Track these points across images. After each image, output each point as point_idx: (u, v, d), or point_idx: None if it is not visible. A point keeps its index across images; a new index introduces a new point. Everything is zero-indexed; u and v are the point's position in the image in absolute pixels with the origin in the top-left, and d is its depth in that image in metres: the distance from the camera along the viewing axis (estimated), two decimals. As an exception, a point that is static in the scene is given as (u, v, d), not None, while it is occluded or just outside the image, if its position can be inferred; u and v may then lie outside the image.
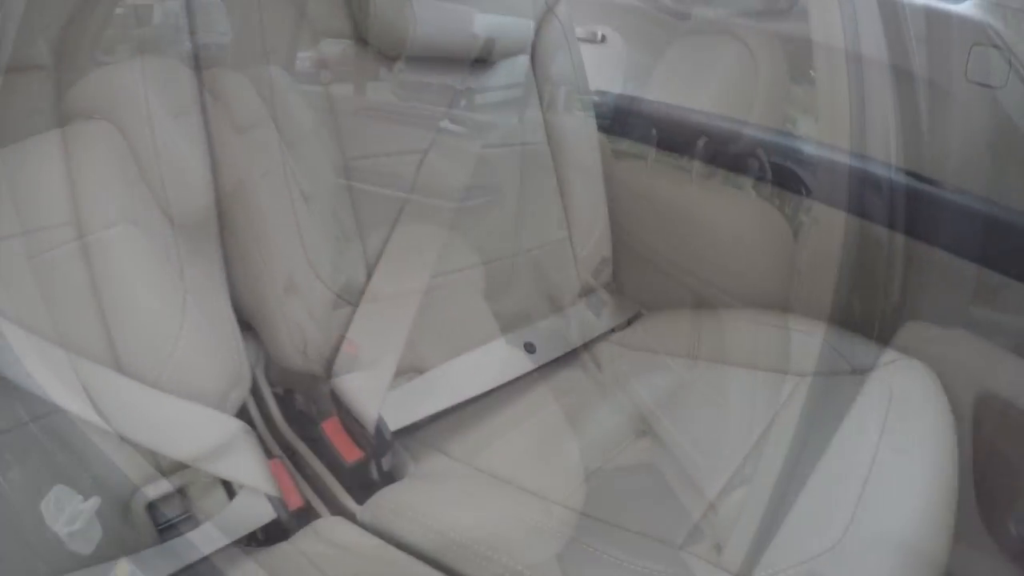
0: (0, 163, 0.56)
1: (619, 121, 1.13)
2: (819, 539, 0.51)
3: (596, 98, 1.16)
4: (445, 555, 0.54)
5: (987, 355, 0.86)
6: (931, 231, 0.87)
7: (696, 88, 1.10)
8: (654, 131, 1.10)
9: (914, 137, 0.97)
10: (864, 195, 0.91)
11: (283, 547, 0.60)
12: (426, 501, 0.61)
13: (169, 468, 0.62)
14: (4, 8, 0.55)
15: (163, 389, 0.60)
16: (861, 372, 0.79)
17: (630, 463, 0.67)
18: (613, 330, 1.03)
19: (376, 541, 0.58)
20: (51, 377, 0.55)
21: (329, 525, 0.63)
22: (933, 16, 0.94)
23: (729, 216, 1.03)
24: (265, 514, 0.63)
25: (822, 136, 1.02)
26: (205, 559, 0.60)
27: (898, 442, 0.64)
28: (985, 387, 0.87)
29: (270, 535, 0.65)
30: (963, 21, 0.92)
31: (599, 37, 1.30)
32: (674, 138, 1.08)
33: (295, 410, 0.82)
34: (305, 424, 0.80)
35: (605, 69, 1.29)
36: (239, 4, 0.70)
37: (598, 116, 1.10)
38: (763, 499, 0.58)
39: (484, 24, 0.81)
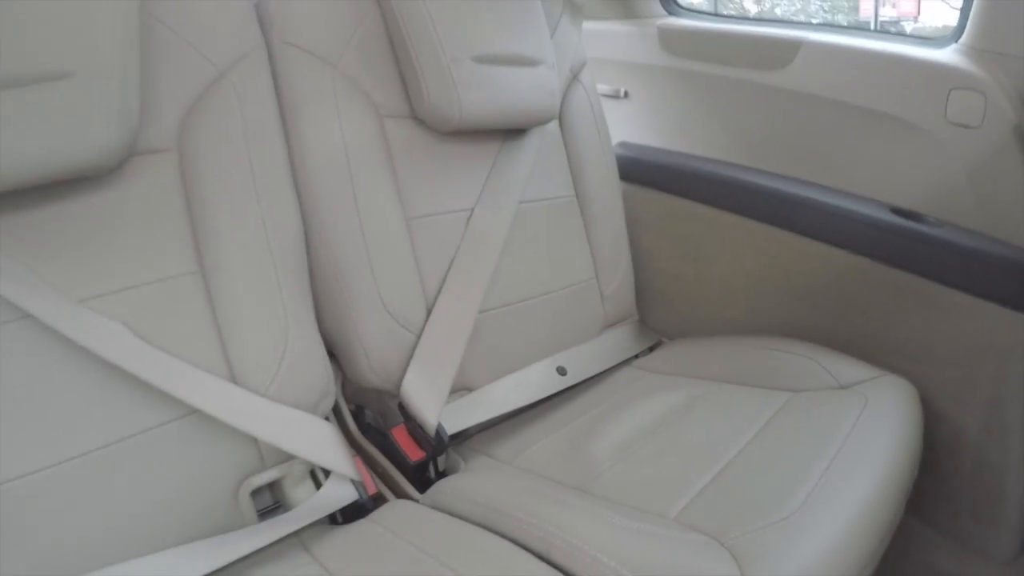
0: (135, 224, 0.78)
1: (640, 169, 1.34)
2: (782, 508, 0.69)
3: (619, 150, 1.37)
4: (490, 521, 0.73)
5: (966, 370, 1.02)
6: (916, 261, 1.04)
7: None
8: (671, 178, 1.30)
9: (898, 175, 1.14)
10: (857, 231, 1.09)
11: (362, 522, 0.80)
12: (475, 487, 0.81)
13: (271, 461, 0.83)
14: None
15: (270, 399, 0.81)
16: (846, 387, 0.97)
17: (641, 460, 0.85)
18: (637, 356, 1.22)
19: (438, 513, 0.78)
20: (186, 385, 0.76)
21: (399, 505, 0.83)
22: (915, 63, 1.11)
23: (738, 253, 1.21)
24: (348, 496, 0.83)
25: (817, 179, 1.20)
26: (297, 532, 0.80)
27: (862, 439, 0.81)
28: (964, 398, 1.02)
29: (348, 517, 0.85)
30: (942, 67, 1.07)
31: (622, 93, 1.50)
32: (689, 184, 1.28)
33: (364, 422, 1.03)
34: (373, 433, 1.01)
35: (627, 122, 1.50)
36: (320, 96, 0.93)
37: (621, 165, 1.31)
38: (743, 480, 0.76)
39: (519, 103, 1.02)
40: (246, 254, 0.82)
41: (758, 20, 1.38)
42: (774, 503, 0.70)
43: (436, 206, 0.99)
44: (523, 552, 0.67)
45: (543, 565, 0.65)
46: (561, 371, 1.08)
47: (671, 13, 1.51)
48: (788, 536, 0.66)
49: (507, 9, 1.05)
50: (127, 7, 0.72)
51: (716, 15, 1.50)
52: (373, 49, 0.98)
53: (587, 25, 1.49)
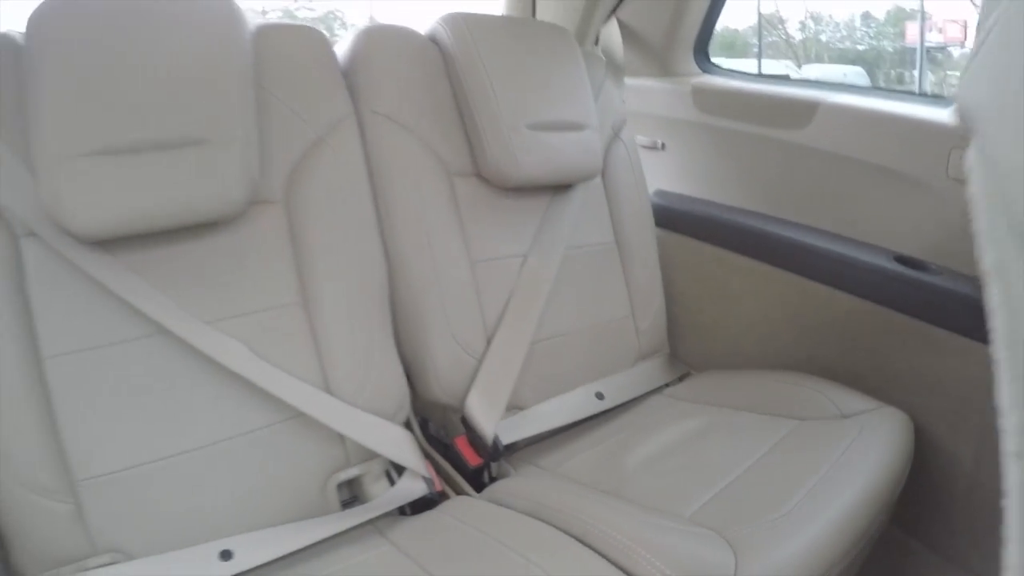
0: (251, 262, 0.99)
1: (673, 218, 1.54)
2: (775, 511, 0.88)
3: (655, 198, 1.57)
4: (538, 513, 0.92)
5: (959, 403, 1.18)
6: (916, 304, 1.20)
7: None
8: (701, 226, 1.50)
9: (904, 225, 1.31)
10: (863, 278, 1.27)
11: (429, 513, 1.00)
12: (524, 488, 1.01)
13: (355, 460, 1.03)
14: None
15: (359, 408, 1.02)
16: (847, 416, 1.14)
17: (664, 472, 1.04)
18: (667, 385, 1.41)
19: (494, 505, 0.98)
20: (291, 393, 0.97)
21: (460, 500, 1.03)
22: (919, 124, 1.25)
23: (758, 295, 1.40)
24: (418, 491, 1.04)
25: (831, 227, 1.38)
26: (372, 521, 1.00)
27: (851, 459, 0.99)
28: (957, 428, 1.19)
29: (415, 510, 1.04)
30: (943, 127, 1.21)
31: (659, 145, 1.71)
32: (716, 232, 1.47)
33: (428, 433, 1.24)
34: (435, 442, 1.21)
35: (664, 171, 1.70)
36: (401, 156, 1.15)
37: (656, 213, 1.51)
38: (747, 490, 0.95)
39: (567, 163, 1.24)
40: (340, 288, 1.04)
41: (781, 80, 1.59)
42: (769, 507, 0.89)
43: (496, 251, 1.21)
44: (566, 536, 0.86)
45: (582, 546, 0.84)
46: (599, 396, 1.28)
47: (705, 71, 1.72)
48: (777, 533, 0.84)
49: (557, 82, 1.27)
50: (246, 84, 0.95)
51: (744, 74, 1.70)
52: (444, 116, 1.20)
53: (629, 81, 1.70)
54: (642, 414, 1.28)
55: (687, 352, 1.53)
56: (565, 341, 1.28)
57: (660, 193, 1.64)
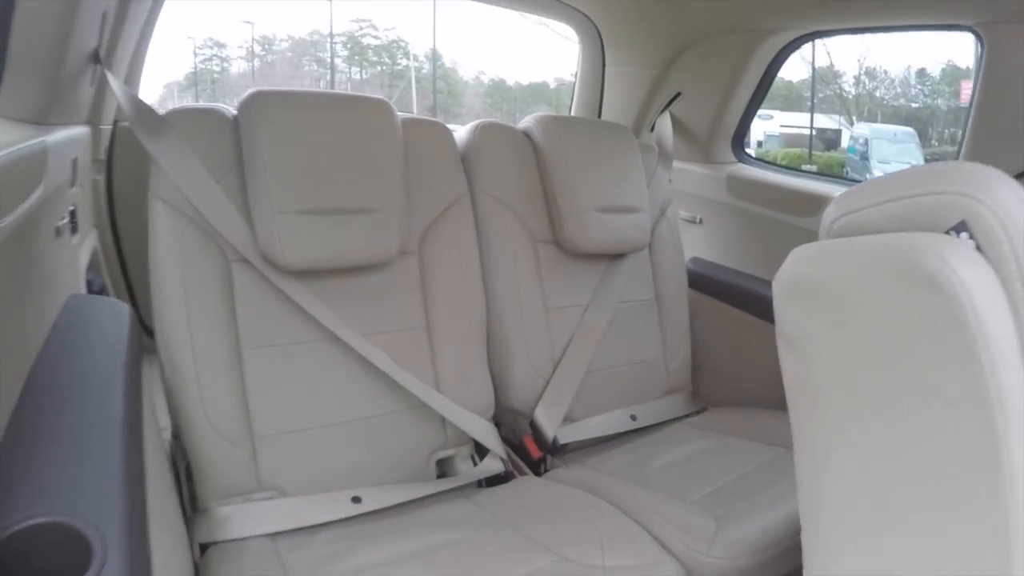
0: (394, 295, 1.45)
1: (704, 283, 1.98)
2: (752, 500, 1.30)
3: (691, 265, 2.01)
4: (585, 489, 1.36)
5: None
6: None
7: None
8: (725, 291, 1.94)
9: None
10: None
11: (502, 486, 1.43)
12: (574, 474, 1.45)
13: (452, 443, 1.47)
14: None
15: (460, 405, 1.46)
16: None
17: (677, 475, 1.47)
18: (687, 415, 1.84)
19: (552, 483, 1.42)
20: (415, 389, 1.41)
21: (525, 479, 1.47)
22: None
23: (766, 349, 1.82)
24: (495, 469, 1.48)
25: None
26: (459, 488, 1.43)
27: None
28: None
29: (490, 485, 1.48)
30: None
31: (697, 219, 2.15)
32: (737, 297, 1.91)
33: (500, 434, 1.68)
34: (505, 441, 1.65)
35: (701, 242, 2.14)
36: (501, 226, 1.60)
37: (690, 277, 1.94)
38: (735, 488, 1.38)
39: (623, 238, 1.69)
40: (452, 320, 1.49)
41: (799, 174, 2.04)
42: (746, 498, 1.32)
43: (565, 301, 1.67)
44: (606, 503, 1.30)
45: (617, 511, 1.27)
46: (633, 417, 1.72)
47: (740, 160, 2.17)
48: (750, 513, 1.27)
49: (619, 173, 1.73)
50: (401, 169, 1.40)
51: (769, 164, 2.14)
52: (532, 196, 1.66)
53: (677, 164, 2.14)
54: (665, 435, 1.71)
55: (706, 391, 1.95)
56: (610, 373, 1.72)
57: (695, 260, 2.08)
